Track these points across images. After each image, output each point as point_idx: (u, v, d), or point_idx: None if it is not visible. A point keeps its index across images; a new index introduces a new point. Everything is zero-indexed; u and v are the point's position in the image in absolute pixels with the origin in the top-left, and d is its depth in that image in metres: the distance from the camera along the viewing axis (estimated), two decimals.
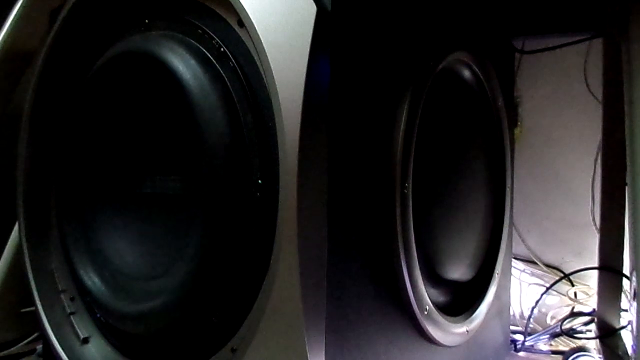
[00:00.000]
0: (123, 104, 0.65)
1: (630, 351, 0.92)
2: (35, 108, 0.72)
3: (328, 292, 0.50)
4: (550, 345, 1.10)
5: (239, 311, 0.54)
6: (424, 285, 0.65)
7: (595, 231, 1.09)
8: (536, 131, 1.21)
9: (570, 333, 1.09)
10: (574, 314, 1.13)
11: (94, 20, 0.70)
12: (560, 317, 1.14)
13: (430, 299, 0.66)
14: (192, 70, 0.55)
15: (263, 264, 0.51)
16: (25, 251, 0.72)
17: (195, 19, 0.60)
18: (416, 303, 0.63)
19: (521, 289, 1.22)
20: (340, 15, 0.52)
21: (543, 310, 1.18)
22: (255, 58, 0.54)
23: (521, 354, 1.05)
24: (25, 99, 0.72)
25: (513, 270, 1.12)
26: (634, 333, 0.81)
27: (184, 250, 0.54)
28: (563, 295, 1.17)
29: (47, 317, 0.70)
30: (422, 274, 0.64)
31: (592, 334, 1.07)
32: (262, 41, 0.51)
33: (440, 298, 0.74)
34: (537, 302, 1.14)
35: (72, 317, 0.71)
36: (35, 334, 0.93)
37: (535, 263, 1.21)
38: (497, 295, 0.87)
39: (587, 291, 1.14)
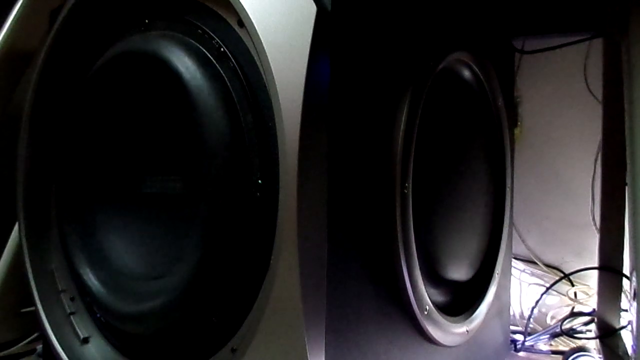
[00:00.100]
0: (123, 104, 0.65)
1: (630, 351, 0.92)
2: (35, 108, 0.72)
3: (328, 292, 0.50)
4: (550, 345, 1.10)
5: (239, 311, 0.54)
6: (424, 285, 0.65)
7: (595, 231, 1.09)
8: (536, 131, 1.21)
9: (570, 333, 1.09)
10: (574, 314, 1.13)
11: (94, 20, 0.70)
12: (560, 317, 1.14)
13: (430, 299, 0.66)
14: (192, 71, 0.55)
15: (263, 264, 0.51)
16: (25, 251, 0.72)
17: (195, 19, 0.60)
18: (416, 303, 0.63)
19: (521, 289, 1.22)
20: (340, 15, 0.52)
21: (543, 310, 1.18)
22: (255, 58, 0.54)
23: (521, 354, 1.05)
24: (25, 99, 0.72)
25: (513, 270, 1.12)
26: (634, 333, 0.81)
27: (184, 250, 0.54)
28: (563, 295, 1.17)
29: (47, 317, 0.70)
30: (422, 273, 0.64)
31: (592, 334, 1.07)
32: (262, 41, 0.51)
33: (440, 298, 0.74)
34: (537, 302, 1.14)
35: (72, 317, 0.71)
36: (35, 334, 0.93)
37: (535, 263, 1.21)
38: (497, 295, 0.87)
39: (587, 291, 1.14)
